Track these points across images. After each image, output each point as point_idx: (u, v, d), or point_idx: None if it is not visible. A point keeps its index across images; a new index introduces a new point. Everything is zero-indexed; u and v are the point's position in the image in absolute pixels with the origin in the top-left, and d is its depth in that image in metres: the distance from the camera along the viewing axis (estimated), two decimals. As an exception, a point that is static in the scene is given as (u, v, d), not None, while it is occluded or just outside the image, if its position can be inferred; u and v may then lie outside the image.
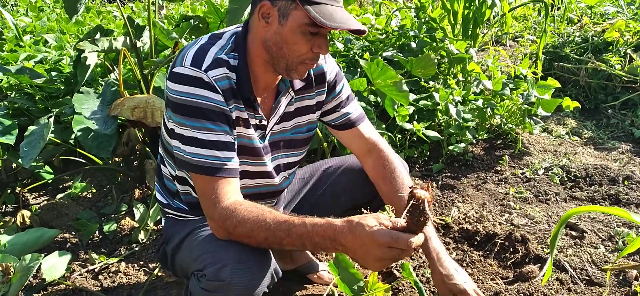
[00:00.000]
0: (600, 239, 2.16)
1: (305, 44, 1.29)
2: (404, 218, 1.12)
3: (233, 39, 1.36)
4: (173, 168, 1.48)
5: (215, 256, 1.27)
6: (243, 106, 1.37)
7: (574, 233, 2.22)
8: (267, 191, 1.55)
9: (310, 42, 1.29)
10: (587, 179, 2.78)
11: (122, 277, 2.04)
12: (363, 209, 1.20)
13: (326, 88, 1.57)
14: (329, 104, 1.61)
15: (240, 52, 1.34)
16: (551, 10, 5.27)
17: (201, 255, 1.31)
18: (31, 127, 2.24)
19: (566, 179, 2.80)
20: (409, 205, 1.09)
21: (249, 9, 2.25)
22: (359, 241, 1.12)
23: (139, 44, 2.59)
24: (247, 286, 1.25)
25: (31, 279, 1.93)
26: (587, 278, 1.91)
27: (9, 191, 2.55)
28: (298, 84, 1.48)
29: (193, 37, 3.13)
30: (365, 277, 1.65)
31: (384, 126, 2.75)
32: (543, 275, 1.90)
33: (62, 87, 2.85)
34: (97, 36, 2.56)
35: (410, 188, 1.11)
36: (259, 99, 1.41)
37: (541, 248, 2.08)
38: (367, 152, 1.65)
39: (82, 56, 2.59)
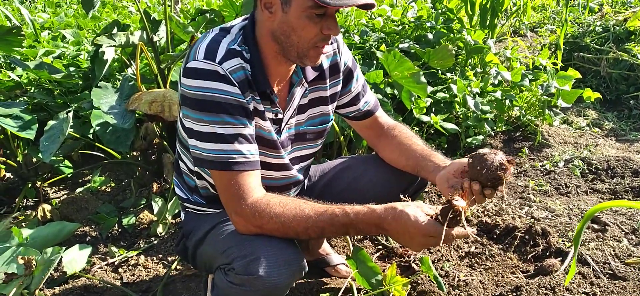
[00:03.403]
0: (623, 233, 2.12)
1: (314, 27, 1.24)
2: (441, 217, 1.21)
3: (241, 32, 1.33)
4: (191, 163, 1.48)
5: (244, 250, 1.26)
6: (259, 98, 1.35)
7: (596, 226, 2.18)
8: (286, 183, 1.54)
9: (318, 24, 1.24)
10: (609, 171, 2.72)
11: (141, 270, 2.05)
12: (402, 196, 1.30)
13: (341, 78, 1.55)
14: (347, 96, 1.60)
15: (250, 46, 1.31)
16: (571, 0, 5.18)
17: (229, 248, 1.30)
18: (51, 122, 2.26)
19: (587, 171, 2.76)
20: (448, 212, 1.18)
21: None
22: (402, 228, 1.21)
23: (155, 38, 2.60)
24: (277, 280, 1.23)
25: (53, 272, 1.95)
26: (610, 271, 1.87)
27: (29, 185, 2.59)
28: (311, 74, 1.45)
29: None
30: (384, 271, 1.64)
31: (400, 118, 2.72)
32: (565, 269, 1.87)
33: (80, 82, 2.87)
34: (114, 31, 2.57)
35: (448, 199, 1.20)
36: (275, 91, 1.39)
37: (562, 241, 2.05)
38: (380, 135, 1.67)
39: (99, 50, 2.60)
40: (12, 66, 2.97)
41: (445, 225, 1.18)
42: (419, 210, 1.22)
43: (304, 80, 1.44)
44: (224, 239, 1.35)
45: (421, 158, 1.54)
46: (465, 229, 1.20)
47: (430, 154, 1.54)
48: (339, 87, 1.56)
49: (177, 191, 1.60)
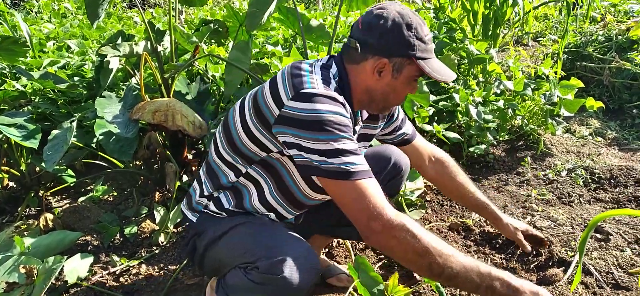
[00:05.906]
0: (627, 242, 2.11)
1: (410, 91, 1.48)
2: None
3: (337, 77, 1.44)
4: (244, 166, 1.48)
5: (270, 251, 1.32)
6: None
7: (598, 236, 2.17)
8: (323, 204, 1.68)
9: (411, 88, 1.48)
10: (612, 180, 2.71)
11: (142, 279, 2.06)
12: None
13: (387, 118, 1.76)
14: (387, 129, 1.79)
15: (345, 89, 1.44)
16: (573, 9, 5.19)
17: (252, 248, 1.36)
18: (54, 132, 2.28)
19: (590, 180, 2.75)
20: None
21: (269, 11, 2.26)
22: None
23: (159, 48, 2.62)
24: (300, 283, 1.29)
25: (54, 281, 1.96)
26: (613, 281, 1.86)
27: (32, 194, 2.60)
28: (365, 114, 1.63)
29: (213, 41, 3.15)
30: (386, 280, 1.64)
31: (403, 127, 2.73)
32: (568, 279, 1.86)
33: (85, 92, 2.89)
34: (119, 41, 2.59)
35: None
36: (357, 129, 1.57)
37: (565, 251, 2.04)
38: (424, 161, 1.87)
39: (104, 60, 2.62)
40: (17, 75, 3.00)
41: None
42: None
43: (360, 119, 1.59)
44: (245, 241, 1.41)
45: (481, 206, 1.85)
46: None
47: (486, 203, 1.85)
48: (384, 123, 1.76)
49: (198, 187, 1.59)
